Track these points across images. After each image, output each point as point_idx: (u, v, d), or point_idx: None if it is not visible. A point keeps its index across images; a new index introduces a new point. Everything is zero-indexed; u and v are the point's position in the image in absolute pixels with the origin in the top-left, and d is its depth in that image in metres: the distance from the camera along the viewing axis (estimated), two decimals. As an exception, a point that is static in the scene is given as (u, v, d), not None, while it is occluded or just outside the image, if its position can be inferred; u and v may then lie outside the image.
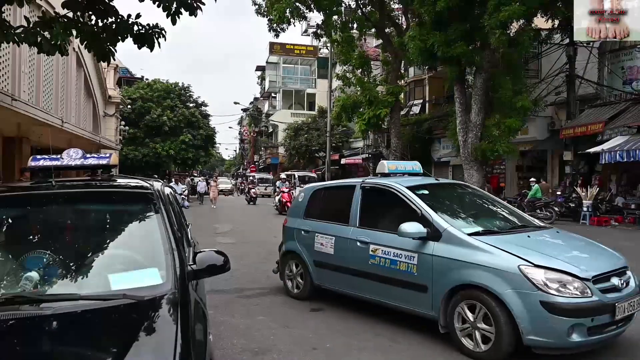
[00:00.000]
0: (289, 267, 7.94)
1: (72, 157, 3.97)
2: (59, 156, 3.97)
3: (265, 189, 47.28)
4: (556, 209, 21.16)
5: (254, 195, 35.72)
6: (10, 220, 3.58)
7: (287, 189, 25.80)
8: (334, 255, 6.98)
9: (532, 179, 22.83)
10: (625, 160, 18.83)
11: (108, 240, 3.52)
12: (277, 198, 26.38)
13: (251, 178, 51.58)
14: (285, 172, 43.98)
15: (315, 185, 8.54)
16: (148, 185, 3.94)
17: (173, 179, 41.60)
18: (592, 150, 20.55)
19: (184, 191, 22.88)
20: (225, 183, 56.16)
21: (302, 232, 7.65)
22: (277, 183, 32.56)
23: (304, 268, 7.58)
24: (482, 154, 23.51)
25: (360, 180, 7.30)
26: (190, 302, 2.91)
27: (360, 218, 6.80)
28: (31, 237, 3.46)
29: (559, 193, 23.08)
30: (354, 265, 6.62)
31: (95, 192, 3.97)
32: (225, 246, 12.49)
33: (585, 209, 20.46)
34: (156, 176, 28.33)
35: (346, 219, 6.96)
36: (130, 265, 3.18)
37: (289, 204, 23.38)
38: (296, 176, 40.85)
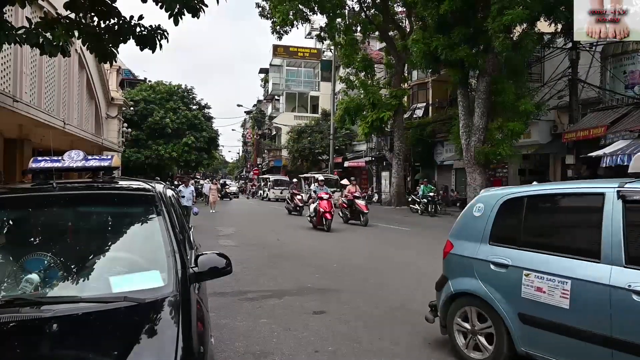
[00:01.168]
0: (464, 317, 5.27)
1: (73, 159, 3.95)
2: (60, 158, 3.96)
3: (281, 193, 44.71)
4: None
5: (300, 204, 27.08)
6: (10, 222, 3.56)
7: (328, 195, 19.71)
8: (570, 311, 4.33)
9: (534, 183, 22.80)
10: (626, 164, 18.82)
11: (109, 243, 3.50)
12: (312, 207, 20.02)
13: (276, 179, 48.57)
14: (321, 173, 40.13)
15: (505, 191, 5.49)
16: (150, 187, 3.92)
17: (176, 181, 41.17)
18: (594, 154, 20.52)
19: (193, 195, 20.65)
20: (232, 186, 56.22)
21: (492, 265, 4.96)
22: (313, 187, 24.04)
23: (495, 323, 4.92)
24: (485, 157, 23.53)
25: (614, 185, 4.36)
26: (192, 304, 2.89)
27: (628, 251, 4.10)
28: (31, 239, 3.45)
29: (561, 197, 23.04)
30: (626, 335, 3.93)
31: (97, 194, 3.96)
32: (227, 249, 12.49)
33: (587, 212, 20.38)
34: (158, 178, 28.33)
35: (592, 250, 4.32)
36: (132, 267, 3.16)
37: (328, 215, 18.60)
38: (316, 178, 37.57)
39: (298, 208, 27.02)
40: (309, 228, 19.53)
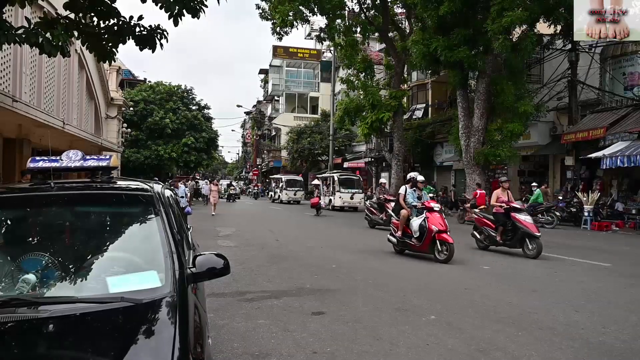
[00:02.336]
0: None
1: (71, 158, 3.93)
2: (58, 158, 3.94)
3: (295, 194, 43.07)
4: (557, 213, 21.17)
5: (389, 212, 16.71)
6: (7, 222, 3.55)
7: (440, 206, 12.65)
8: None
9: (533, 184, 22.83)
10: (626, 165, 18.90)
11: (107, 243, 3.49)
12: (415, 224, 12.21)
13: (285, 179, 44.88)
14: (339, 172, 37.28)
15: None
16: (148, 187, 3.91)
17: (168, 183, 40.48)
18: (593, 155, 20.57)
19: (186, 194, 19.73)
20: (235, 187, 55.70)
21: None
22: (403, 189, 13.45)
23: None
24: (484, 158, 23.52)
25: None
26: (189, 305, 2.88)
27: None
28: (29, 239, 3.44)
29: (560, 198, 23.08)
30: None
31: (94, 194, 3.94)
32: (226, 249, 12.48)
33: (586, 213, 20.48)
34: (157, 178, 28.29)
35: None
36: (129, 268, 3.15)
37: (447, 236, 11.53)
38: (335, 178, 35.14)
39: (387, 218, 18.32)
40: (389, 252, 13.32)
